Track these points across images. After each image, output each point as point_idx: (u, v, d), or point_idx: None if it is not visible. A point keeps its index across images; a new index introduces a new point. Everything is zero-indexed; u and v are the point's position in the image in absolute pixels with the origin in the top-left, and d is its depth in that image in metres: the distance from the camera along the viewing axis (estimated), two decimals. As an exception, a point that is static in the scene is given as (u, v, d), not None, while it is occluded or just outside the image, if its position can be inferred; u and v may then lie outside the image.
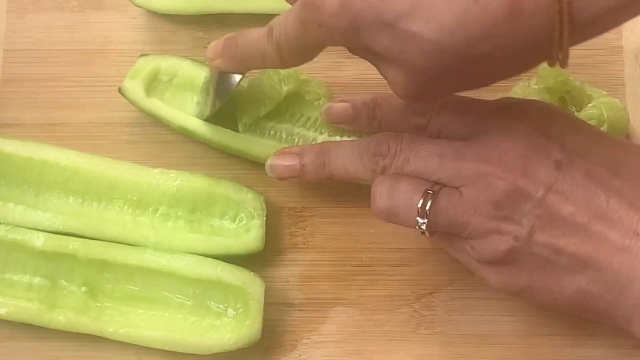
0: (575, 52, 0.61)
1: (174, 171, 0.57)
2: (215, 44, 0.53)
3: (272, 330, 0.56)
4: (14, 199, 0.57)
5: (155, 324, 0.54)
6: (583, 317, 0.49)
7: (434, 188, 0.48)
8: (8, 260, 0.56)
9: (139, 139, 0.60)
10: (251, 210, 0.56)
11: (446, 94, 0.48)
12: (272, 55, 0.49)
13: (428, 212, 0.48)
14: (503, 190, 0.46)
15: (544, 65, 0.57)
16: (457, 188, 0.48)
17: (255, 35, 0.50)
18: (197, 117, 0.58)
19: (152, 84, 0.59)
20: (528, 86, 0.58)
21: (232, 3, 0.60)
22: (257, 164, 0.59)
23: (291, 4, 0.49)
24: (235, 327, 0.54)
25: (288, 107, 0.59)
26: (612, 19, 0.43)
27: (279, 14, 0.60)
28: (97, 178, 0.57)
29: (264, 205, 0.56)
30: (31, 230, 0.56)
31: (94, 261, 0.55)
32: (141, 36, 0.62)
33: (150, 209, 0.57)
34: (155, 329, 0.54)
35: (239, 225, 0.57)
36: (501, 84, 0.60)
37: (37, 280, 0.56)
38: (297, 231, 0.58)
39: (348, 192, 0.58)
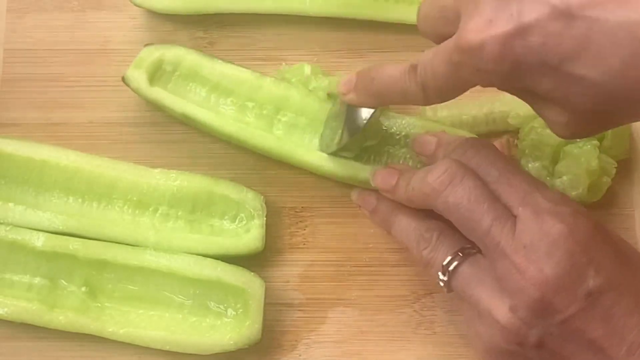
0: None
1: (174, 171, 0.57)
2: (348, 79, 0.53)
3: (272, 330, 0.56)
4: (14, 199, 0.57)
5: (156, 324, 0.54)
6: None
7: (464, 251, 0.49)
8: (8, 260, 0.56)
9: (139, 139, 0.60)
10: (251, 210, 0.56)
11: (603, 131, 0.47)
12: (417, 93, 0.48)
13: (450, 272, 0.49)
14: (529, 300, 0.46)
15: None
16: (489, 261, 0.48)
17: (394, 71, 0.49)
18: (322, 150, 0.57)
19: (156, 74, 0.59)
20: (528, 86, 0.58)
21: (232, 3, 0.60)
22: (257, 164, 0.59)
23: (435, 42, 0.48)
24: (235, 327, 0.54)
25: None
26: None
27: (279, 14, 0.60)
28: (97, 178, 0.57)
29: (264, 205, 0.56)
30: (31, 230, 0.56)
31: (94, 261, 0.55)
32: (141, 36, 0.62)
33: (150, 209, 0.57)
34: (155, 329, 0.54)
35: (239, 225, 0.57)
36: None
37: (37, 280, 0.56)
38: (297, 231, 0.58)
39: (348, 192, 0.58)
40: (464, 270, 0.49)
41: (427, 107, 0.59)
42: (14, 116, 0.61)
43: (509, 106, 0.58)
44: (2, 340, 0.56)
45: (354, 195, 0.58)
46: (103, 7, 0.62)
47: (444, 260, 0.49)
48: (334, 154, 0.57)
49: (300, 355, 0.56)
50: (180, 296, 0.55)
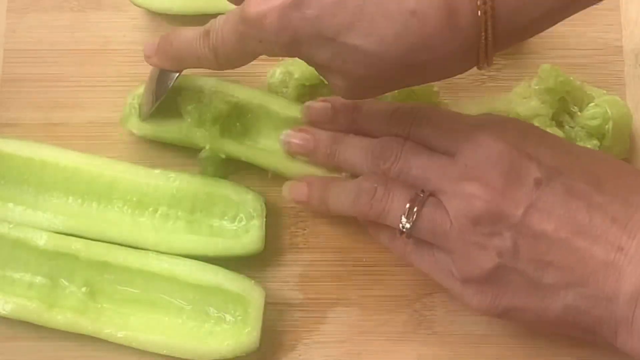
0: (575, 52, 0.61)
1: (174, 172, 0.57)
2: (151, 42, 0.54)
3: (272, 330, 0.56)
4: (14, 199, 0.57)
5: (154, 328, 0.54)
6: (566, 335, 0.50)
7: (422, 194, 0.50)
8: (10, 257, 0.56)
9: (139, 139, 0.60)
10: (251, 210, 0.56)
11: (384, 93, 0.50)
12: (209, 57, 0.50)
13: (414, 215, 0.49)
14: (484, 210, 0.47)
15: (543, 66, 0.58)
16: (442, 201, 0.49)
17: (190, 35, 0.51)
18: (140, 118, 0.58)
19: None
20: (529, 87, 0.58)
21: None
22: (256, 165, 0.59)
23: (235, 3, 0.50)
24: (233, 334, 0.54)
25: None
26: (533, 28, 0.46)
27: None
28: (97, 178, 0.57)
29: (263, 205, 0.56)
30: (34, 229, 0.56)
31: (96, 262, 0.55)
32: (141, 36, 0.62)
33: (149, 209, 0.57)
34: (153, 333, 0.54)
35: (239, 226, 0.56)
36: (502, 84, 0.61)
37: (38, 279, 0.56)
38: (297, 231, 0.58)
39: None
40: (428, 211, 0.49)
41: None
42: (14, 116, 0.61)
43: (509, 106, 0.58)
44: (2, 340, 0.56)
45: (285, 191, 0.57)
46: (103, 7, 0.63)
47: (403, 206, 0.50)
48: (150, 120, 0.58)
49: (300, 355, 0.56)
50: (180, 301, 0.55)
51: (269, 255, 0.57)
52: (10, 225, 0.56)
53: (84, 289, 0.55)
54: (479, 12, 0.43)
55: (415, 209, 0.49)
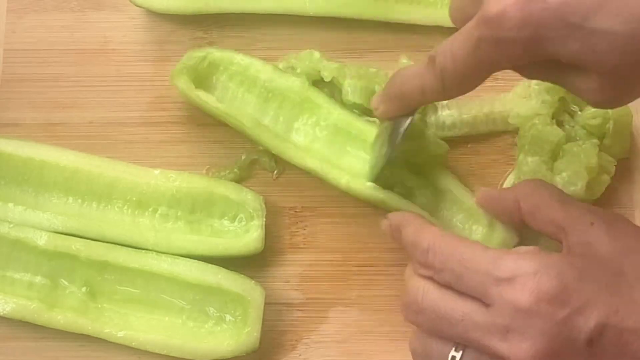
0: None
1: (174, 172, 0.57)
2: (378, 92, 0.52)
3: (272, 330, 0.56)
4: (14, 199, 0.57)
5: (154, 328, 0.54)
6: None
7: (456, 351, 0.46)
8: (10, 258, 0.56)
9: (139, 139, 0.60)
10: (251, 211, 0.56)
11: None
12: (434, 84, 0.47)
13: None
14: None
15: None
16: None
17: (414, 68, 0.48)
18: (369, 178, 0.55)
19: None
20: (528, 86, 0.58)
21: (232, 3, 0.60)
22: (257, 164, 0.59)
23: (458, 26, 0.47)
24: (233, 334, 0.54)
25: None
26: None
27: (279, 14, 0.60)
28: (97, 178, 0.57)
29: (263, 205, 0.56)
30: (34, 229, 0.56)
31: (96, 262, 0.55)
32: (141, 36, 0.62)
33: (149, 209, 0.57)
34: (154, 332, 0.54)
35: (239, 226, 0.57)
36: (502, 84, 0.60)
37: (38, 279, 0.56)
38: (297, 231, 0.58)
39: (348, 192, 0.58)
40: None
41: (430, 111, 0.59)
42: (14, 116, 0.61)
43: (509, 106, 0.58)
44: (2, 340, 0.56)
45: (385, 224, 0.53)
46: (103, 7, 0.63)
47: None
48: (381, 181, 0.55)
49: (300, 355, 0.56)
50: (180, 301, 0.55)
51: (269, 255, 0.57)
52: (10, 225, 0.56)
53: (84, 289, 0.55)
54: None
55: None
